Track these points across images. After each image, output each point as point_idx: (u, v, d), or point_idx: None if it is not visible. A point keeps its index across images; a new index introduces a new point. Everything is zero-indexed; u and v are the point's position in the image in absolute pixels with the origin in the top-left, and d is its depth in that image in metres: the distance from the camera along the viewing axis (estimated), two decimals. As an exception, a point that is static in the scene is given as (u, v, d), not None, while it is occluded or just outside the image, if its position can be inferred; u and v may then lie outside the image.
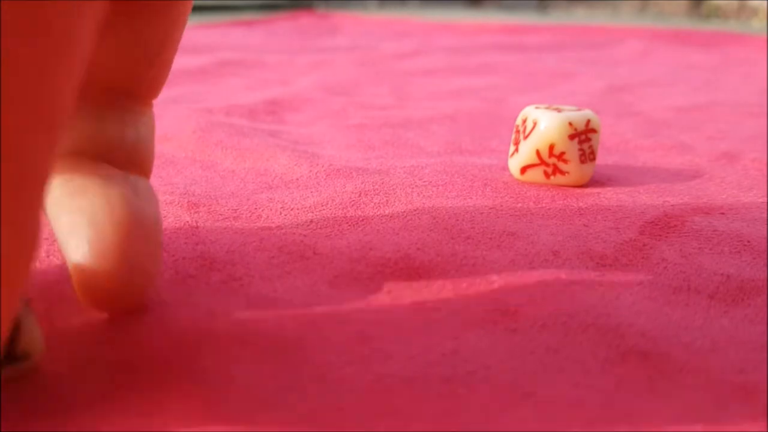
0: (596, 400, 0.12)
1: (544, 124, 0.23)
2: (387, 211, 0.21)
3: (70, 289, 0.14)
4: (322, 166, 0.25)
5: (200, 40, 0.70)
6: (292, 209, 0.21)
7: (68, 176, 0.14)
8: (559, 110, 0.23)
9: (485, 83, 0.46)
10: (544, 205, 0.21)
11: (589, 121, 0.23)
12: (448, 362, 0.13)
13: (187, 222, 0.20)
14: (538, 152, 0.23)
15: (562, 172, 0.23)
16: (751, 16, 1.05)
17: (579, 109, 0.23)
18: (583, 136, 0.23)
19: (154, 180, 0.24)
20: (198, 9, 1.12)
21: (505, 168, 0.25)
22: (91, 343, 0.13)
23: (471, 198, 0.22)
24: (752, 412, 0.12)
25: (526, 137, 0.23)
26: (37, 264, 0.16)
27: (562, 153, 0.23)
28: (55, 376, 0.12)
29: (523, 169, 0.23)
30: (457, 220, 0.20)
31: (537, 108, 0.24)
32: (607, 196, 0.22)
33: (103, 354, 0.13)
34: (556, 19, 1.09)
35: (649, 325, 0.14)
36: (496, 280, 0.16)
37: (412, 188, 0.22)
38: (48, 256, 0.17)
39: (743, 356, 0.13)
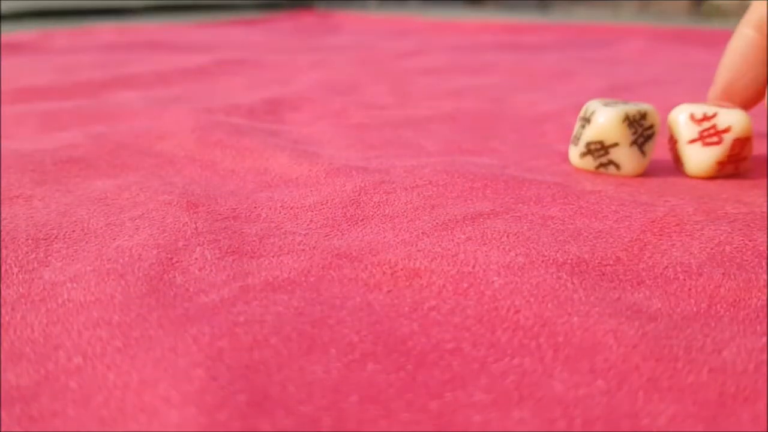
0: (596, 400, 0.12)
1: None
2: (387, 211, 0.21)
3: None
4: (322, 166, 0.25)
5: (200, 39, 0.70)
6: (291, 208, 0.21)
7: None
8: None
9: (486, 83, 0.46)
10: (544, 204, 0.21)
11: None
12: (447, 362, 0.13)
13: (186, 222, 0.20)
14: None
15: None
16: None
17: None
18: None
19: (153, 179, 0.24)
20: (197, 8, 1.12)
21: (506, 167, 0.25)
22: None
23: (471, 198, 0.21)
24: (752, 413, 0.12)
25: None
26: None
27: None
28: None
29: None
30: (457, 220, 0.20)
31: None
32: (608, 194, 0.22)
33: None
34: (556, 18, 1.09)
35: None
36: (496, 280, 0.16)
37: (413, 188, 0.22)
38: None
39: (743, 356, 0.13)
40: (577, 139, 0.25)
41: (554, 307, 0.15)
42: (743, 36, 0.27)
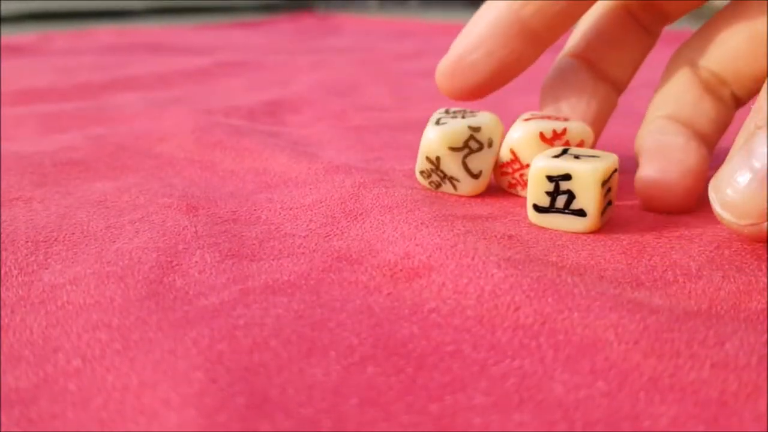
0: (597, 402, 0.12)
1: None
2: (386, 202, 0.20)
3: None
4: (321, 164, 0.24)
5: (200, 41, 0.70)
6: (291, 209, 0.21)
7: None
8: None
9: (485, 84, 0.46)
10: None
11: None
12: (448, 365, 0.13)
13: (186, 226, 0.20)
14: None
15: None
16: (752, 16, 1.04)
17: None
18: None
19: (153, 181, 0.24)
20: (197, 10, 1.12)
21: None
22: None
23: (469, 202, 0.21)
24: (752, 412, 0.12)
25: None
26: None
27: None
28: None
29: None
30: (456, 217, 0.20)
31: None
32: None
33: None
34: (556, 19, 1.08)
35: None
36: (496, 273, 0.16)
37: (411, 188, 0.22)
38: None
39: (746, 349, 0.13)
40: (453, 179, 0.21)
41: (554, 301, 0.15)
42: (489, 6, 0.22)
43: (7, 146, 0.28)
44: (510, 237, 0.18)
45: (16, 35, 0.71)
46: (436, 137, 0.21)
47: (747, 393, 0.12)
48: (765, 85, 0.17)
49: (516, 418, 0.12)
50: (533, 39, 0.22)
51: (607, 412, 0.12)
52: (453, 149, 0.21)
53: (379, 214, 0.20)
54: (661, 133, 0.21)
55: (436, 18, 1.05)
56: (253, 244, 0.18)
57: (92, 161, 0.26)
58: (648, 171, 0.20)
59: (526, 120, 0.21)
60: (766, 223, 0.16)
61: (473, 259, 0.16)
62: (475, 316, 0.15)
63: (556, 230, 0.19)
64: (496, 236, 0.18)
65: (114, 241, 0.19)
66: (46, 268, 0.17)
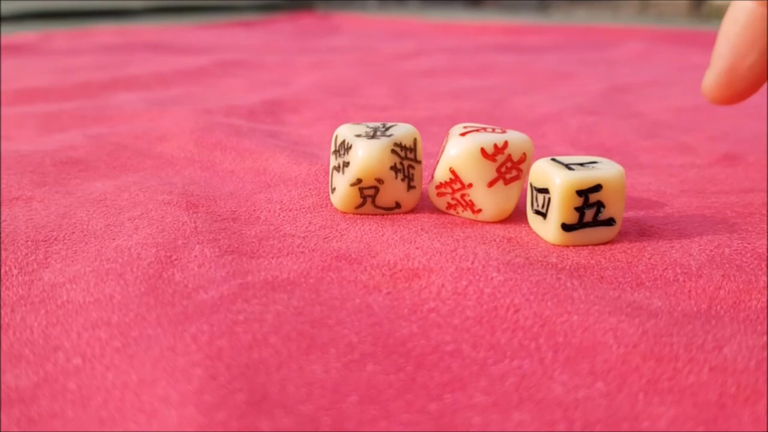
0: (596, 402, 0.12)
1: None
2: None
3: None
4: (322, 166, 0.25)
5: (199, 40, 0.70)
6: (290, 210, 0.21)
7: None
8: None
9: (485, 84, 0.46)
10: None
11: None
12: (447, 364, 0.13)
13: (186, 222, 0.20)
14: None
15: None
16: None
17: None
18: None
19: (152, 179, 0.24)
20: (197, 9, 1.12)
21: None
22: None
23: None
24: (751, 414, 0.12)
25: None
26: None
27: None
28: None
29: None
30: (456, 223, 0.20)
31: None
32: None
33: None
34: (556, 19, 1.09)
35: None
36: (496, 276, 0.16)
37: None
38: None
39: (744, 354, 0.13)
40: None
41: (554, 305, 0.15)
42: (741, 8, 0.23)
43: (7, 145, 0.28)
44: (509, 240, 0.18)
45: (16, 34, 0.71)
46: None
47: (745, 396, 0.12)
48: None
49: (515, 417, 0.12)
50: None
51: (607, 412, 0.12)
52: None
53: (379, 218, 0.20)
54: None
55: (436, 18, 1.05)
56: (253, 242, 0.18)
57: (92, 160, 0.26)
58: None
59: (463, 134, 0.19)
60: None
61: (473, 263, 0.17)
62: (475, 317, 0.15)
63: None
64: (495, 240, 0.18)
65: (114, 239, 0.19)
66: (46, 267, 0.17)
